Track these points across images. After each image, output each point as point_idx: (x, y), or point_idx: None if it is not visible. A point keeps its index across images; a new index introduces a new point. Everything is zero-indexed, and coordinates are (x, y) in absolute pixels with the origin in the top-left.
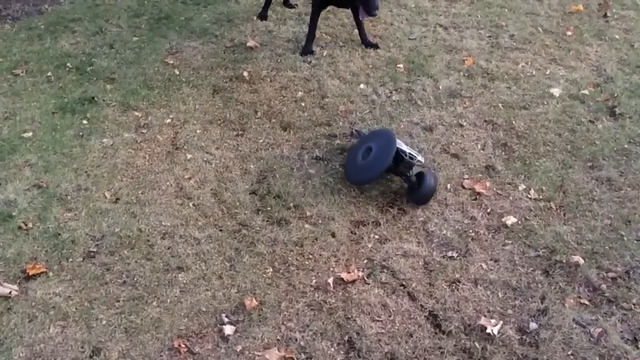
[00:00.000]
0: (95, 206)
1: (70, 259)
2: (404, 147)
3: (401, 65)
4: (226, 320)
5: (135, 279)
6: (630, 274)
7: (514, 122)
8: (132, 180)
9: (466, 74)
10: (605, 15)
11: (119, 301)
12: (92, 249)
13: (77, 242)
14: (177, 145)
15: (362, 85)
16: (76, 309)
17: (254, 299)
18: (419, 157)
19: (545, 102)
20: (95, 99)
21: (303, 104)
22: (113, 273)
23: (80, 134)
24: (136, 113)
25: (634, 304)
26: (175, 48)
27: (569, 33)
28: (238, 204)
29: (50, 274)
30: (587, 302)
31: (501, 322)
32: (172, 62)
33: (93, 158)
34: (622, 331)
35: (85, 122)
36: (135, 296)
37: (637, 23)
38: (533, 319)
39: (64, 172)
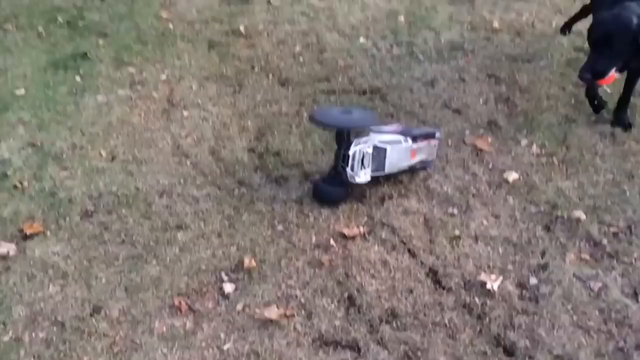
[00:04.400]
0: (91, 165)
1: (68, 218)
2: (362, 158)
3: (402, 18)
4: (226, 278)
5: (133, 237)
6: (632, 228)
7: (517, 76)
8: (128, 138)
9: (469, 27)
10: None
11: (118, 260)
12: (90, 207)
13: (74, 201)
14: (173, 102)
15: (361, 39)
16: (75, 267)
17: (253, 259)
18: (355, 176)
19: (550, 55)
20: (88, 54)
21: (301, 59)
22: (111, 232)
23: (74, 91)
24: (130, 69)
25: (635, 259)
26: (169, 1)
27: None
28: (236, 162)
29: (48, 233)
30: (587, 257)
31: (501, 277)
32: (165, 15)
33: (87, 116)
34: (622, 285)
35: (78, 78)
36: (134, 255)
37: None
38: (533, 274)
39: (58, 130)
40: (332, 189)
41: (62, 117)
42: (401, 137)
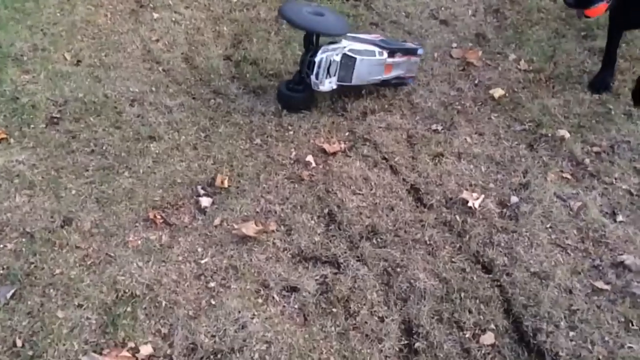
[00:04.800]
0: (55, 68)
1: (32, 125)
2: (330, 64)
3: None
4: (202, 192)
5: (104, 147)
6: (614, 148)
7: None
8: (94, 40)
9: None
10: None
11: (87, 170)
12: (55, 114)
13: (37, 107)
14: (141, 3)
15: None
16: (42, 177)
17: (226, 179)
18: (320, 84)
19: None
20: None
21: None
22: (80, 141)
23: None
24: None
25: (615, 179)
26: None
27: None
28: (211, 70)
29: (12, 140)
30: (569, 177)
31: (482, 195)
32: None
33: (48, 14)
34: (601, 205)
35: None
36: (105, 166)
37: None
38: (514, 192)
39: (17, 29)
40: (294, 95)
41: (21, 15)
42: (376, 49)
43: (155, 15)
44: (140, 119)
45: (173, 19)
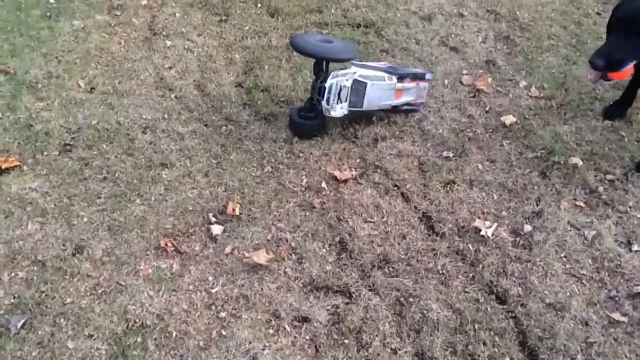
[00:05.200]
0: (69, 96)
1: (45, 153)
2: (340, 92)
3: None
4: (214, 219)
5: (116, 175)
6: (628, 176)
7: (518, 13)
8: (108, 68)
9: None
10: None
11: (100, 198)
12: (68, 142)
13: (51, 134)
14: (154, 31)
15: None
16: (55, 205)
17: (237, 206)
18: (331, 109)
19: None
20: None
21: None
22: (92, 168)
23: (48, 14)
24: None
25: (629, 207)
26: None
27: None
28: (223, 97)
29: (25, 167)
30: (582, 205)
31: (495, 224)
32: None
33: (63, 42)
34: (616, 234)
35: (52, 1)
36: (117, 193)
37: None
38: (527, 221)
39: (32, 57)
40: (305, 122)
41: (36, 43)
42: (385, 75)
43: (168, 43)
44: (152, 146)
45: (186, 47)
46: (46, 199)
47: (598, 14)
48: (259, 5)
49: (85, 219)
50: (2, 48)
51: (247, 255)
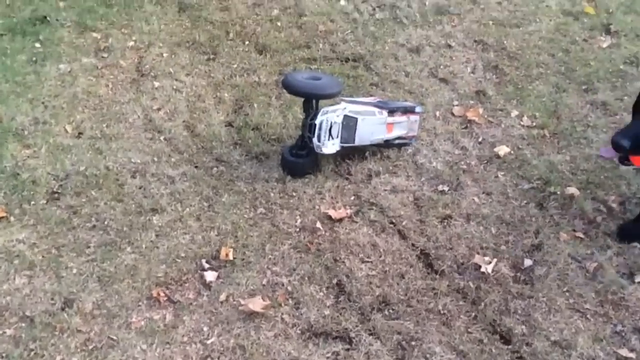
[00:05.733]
0: (56, 142)
1: (33, 202)
2: (331, 126)
3: None
4: (207, 266)
5: (105, 222)
6: (625, 204)
7: (505, 42)
8: (95, 112)
9: None
10: None
11: (89, 247)
12: (56, 189)
13: (38, 182)
14: (142, 72)
15: (342, 2)
16: (43, 257)
17: (230, 251)
18: (322, 146)
19: (538, 19)
20: (48, 18)
21: (279, 24)
22: (81, 216)
23: (34, 59)
24: (95, 34)
25: None
26: None
27: None
28: (213, 137)
29: (12, 218)
30: (582, 236)
31: (495, 259)
32: None
33: (50, 87)
34: (617, 265)
35: (38, 45)
36: (107, 242)
37: None
38: (527, 255)
39: (18, 103)
40: (298, 160)
41: (22, 89)
42: (375, 109)
43: (156, 84)
44: (142, 191)
45: (174, 87)
46: (34, 251)
47: (585, 40)
48: (247, 42)
49: (75, 271)
50: None
51: (242, 302)
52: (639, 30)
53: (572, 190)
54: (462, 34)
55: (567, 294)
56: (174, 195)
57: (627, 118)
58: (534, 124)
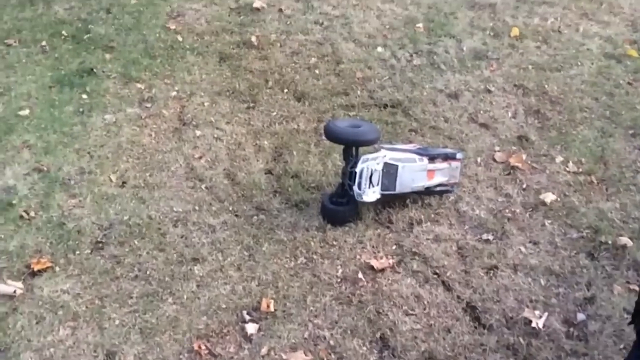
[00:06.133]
0: (101, 191)
1: (77, 252)
2: (372, 175)
3: (420, 25)
4: (248, 317)
5: (148, 272)
6: None
7: (546, 86)
8: (139, 161)
9: (492, 33)
10: None
11: (132, 298)
12: (100, 239)
13: (83, 232)
14: (184, 121)
15: (379, 49)
16: (86, 307)
17: (271, 302)
18: (363, 194)
19: (579, 63)
20: (94, 70)
21: (317, 71)
22: (124, 266)
23: (81, 110)
24: (139, 85)
25: None
26: (176, 11)
27: None
28: (253, 185)
29: (57, 268)
30: (637, 288)
31: (546, 313)
32: (174, 27)
33: (95, 137)
34: None
35: (84, 96)
36: (149, 292)
37: None
38: (580, 308)
39: (65, 153)
40: (338, 208)
41: (69, 139)
42: (416, 156)
43: (198, 133)
44: (184, 240)
45: (215, 136)
46: (78, 302)
47: (629, 84)
48: (286, 90)
49: (117, 322)
50: (36, 146)
51: (284, 357)
52: None
53: (624, 240)
54: (502, 79)
55: (624, 351)
56: (214, 245)
57: None
58: (580, 170)
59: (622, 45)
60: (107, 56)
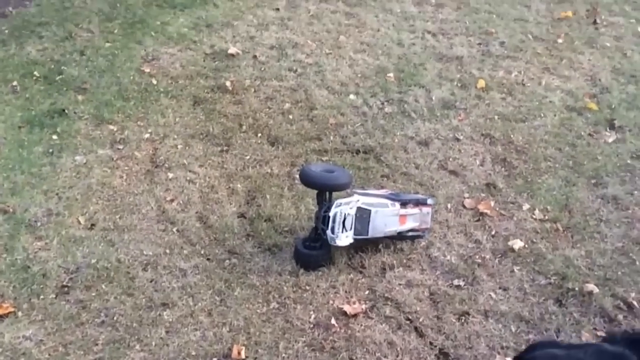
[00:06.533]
0: (68, 233)
1: (42, 296)
2: (345, 219)
3: (391, 74)
4: None
5: (115, 318)
6: None
7: (511, 136)
8: (109, 203)
9: (459, 84)
10: (594, 22)
11: (97, 345)
12: (66, 283)
13: (48, 275)
14: (157, 163)
15: (352, 96)
16: (49, 355)
17: (243, 349)
18: (336, 238)
19: (543, 114)
20: (66, 111)
21: (291, 117)
22: (90, 311)
23: (50, 150)
24: (111, 127)
25: None
26: (151, 55)
27: (560, 40)
28: (226, 228)
29: (20, 313)
30: (604, 335)
31: None
32: (148, 70)
33: (65, 178)
34: None
35: (55, 137)
36: (115, 338)
37: (626, 30)
38: None
39: (32, 194)
40: (311, 252)
41: (37, 180)
42: (388, 201)
43: (170, 175)
44: (153, 284)
45: (187, 178)
46: (40, 349)
47: (590, 135)
48: (259, 135)
49: None
50: (3, 186)
51: None
52: None
53: (591, 286)
54: (469, 128)
55: None
56: (185, 289)
57: (639, 212)
58: (546, 217)
59: (583, 99)
60: (80, 97)
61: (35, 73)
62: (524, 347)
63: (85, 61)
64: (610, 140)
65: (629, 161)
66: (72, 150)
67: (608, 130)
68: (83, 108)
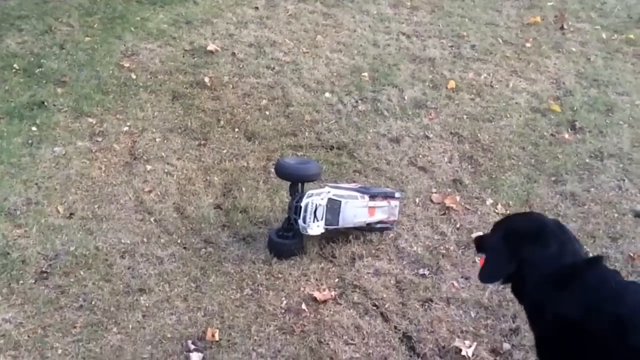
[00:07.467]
0: (47, 222)
1: (21, 281)
2: (315, 210)
3: (366, 74)
4: (192, 347)
5: (93, 302)
6: None
7: (479, 135)
8: (87, 193)
9: (431, 85)
10: (561, 28)
11: (75, 327)
12: (45, 269)
13: (28, 262)
14: (135, 155)
15: (327, 94)
16: (28, 337)
17: (217, 332)
18: (307, 228)
19: (509, 115)
20: (45, 103)
21: (267, 113)
22: (68, 296)
23: (30, 141)
24: (90, 120)
25: None
26: (131, 50)
27: (528, 45)
28: (202, 219)
29: (0, 298)
30: None
31: (475, 343)
32: (127, 65)
33: (44, 169)
34: None
35: (34, 129)
36: (93, 322)
37: (592, 36)
38: (506, 339)
39: (12, 184)
40: (284, 241)
41: (16, 170)
42: (358, 194)
43: (149, 167)
44: (130, 271)
45: (165, 170)
46: (20, 331)
47: (552, 135)
48: (237, 130)
49: (60, 351)
50: None
51: None
52: (602, 127)
53: None
54: (439, 127)
55: None
56: (162, 276)
57: (595, 208)
58: (508, 212)
59: (547, 101)
60: (59, 90)
61: (15, 66)
62: (482, 331)
63: (64, 55)
64: (570, 140)
65: (587, 160)
66: (51, 142)
67: (569, 131)
68: (62, 101)
